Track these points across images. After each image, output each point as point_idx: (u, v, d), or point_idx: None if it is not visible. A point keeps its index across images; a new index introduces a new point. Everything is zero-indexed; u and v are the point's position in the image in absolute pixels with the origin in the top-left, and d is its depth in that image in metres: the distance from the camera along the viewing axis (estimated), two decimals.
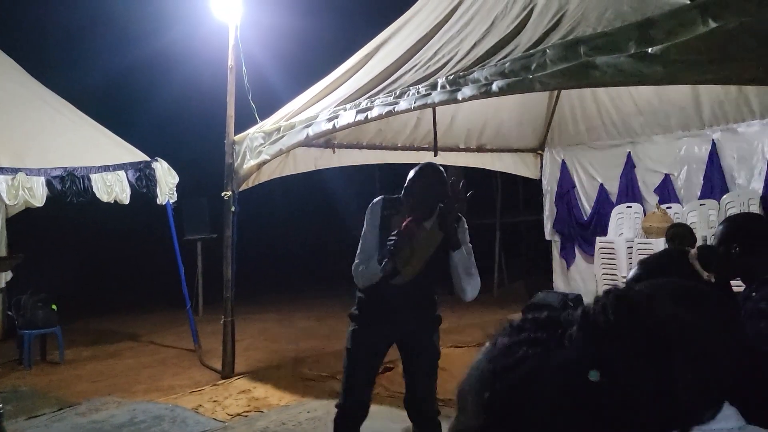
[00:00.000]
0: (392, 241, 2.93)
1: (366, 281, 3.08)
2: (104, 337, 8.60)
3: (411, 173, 3.10)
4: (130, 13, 12.70)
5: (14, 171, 5.96)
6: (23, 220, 8.94)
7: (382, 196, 3.20)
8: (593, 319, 0.66)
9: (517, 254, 11.72)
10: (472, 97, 3.61)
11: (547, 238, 8.10)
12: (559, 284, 7.89)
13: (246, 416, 4.73)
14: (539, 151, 8.01)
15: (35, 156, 6.25)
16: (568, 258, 7.80)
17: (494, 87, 3.45)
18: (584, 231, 7.53)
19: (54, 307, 7.10)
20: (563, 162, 7.77)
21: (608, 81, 3.03)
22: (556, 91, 7.06)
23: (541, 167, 8.03)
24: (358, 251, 3.13)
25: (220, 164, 6.17)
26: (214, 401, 5.13)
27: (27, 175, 6.02)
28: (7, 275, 8.50)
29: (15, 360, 7.07)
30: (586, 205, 7.60)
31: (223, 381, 5.79)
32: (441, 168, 3.13)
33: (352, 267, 3.13)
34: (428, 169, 3.10)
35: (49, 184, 6.17)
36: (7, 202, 6.04)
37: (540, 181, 8.12)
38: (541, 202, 8.18)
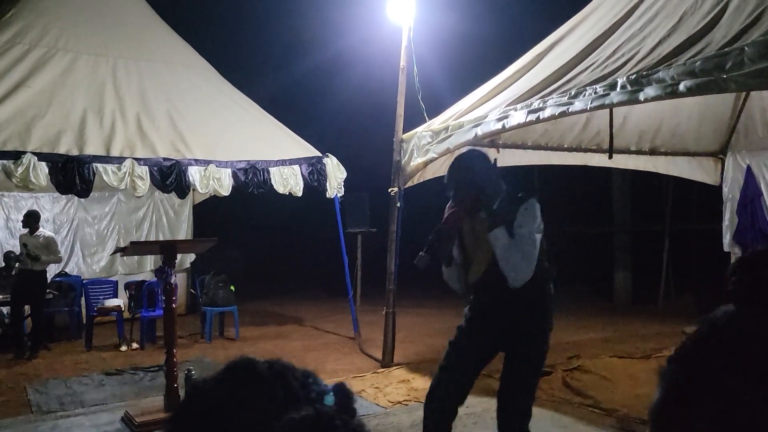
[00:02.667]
0: (432, 234, 2.90)
1: (449, 282, 3.10)
2: (272, 318, 9.28)
3: None
4: (313, 18, 13.53)
5: (206, 163, 6.61)
6: (205, 208, 9.89)
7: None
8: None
9: (687, 265, 10.93)
10: (655, 98, 3.46)
11: (726, 249, 7.45)
12: None
13: (406, 405, 4.88)
14: (720, 156, 7.41)
15: (223, 150, 6.87)
16: None
17: (681, 87, 3.29)
18: None
19: (232, 288, 7.79)
20: (748, 167, 7.12)
21: None
22: None
23: (722, 173, 7.42)
24: None
25: (381, 160, 6.38)
26: (376, 388, 5.35)
27: (216, 166, 6.65)
28: (191, 256, 9.44)
29: (197, 333, 7.87)
30: None
31: (382, 369, 6.02)
32: (475, 154, 3.08)
33: None
34: (455, 160, 3.07)
35: (234, 175, 6.76)
36: (200, 190, 6.71)
37: (719, 187, 7.51)
38: (719, 210, 7.56)
